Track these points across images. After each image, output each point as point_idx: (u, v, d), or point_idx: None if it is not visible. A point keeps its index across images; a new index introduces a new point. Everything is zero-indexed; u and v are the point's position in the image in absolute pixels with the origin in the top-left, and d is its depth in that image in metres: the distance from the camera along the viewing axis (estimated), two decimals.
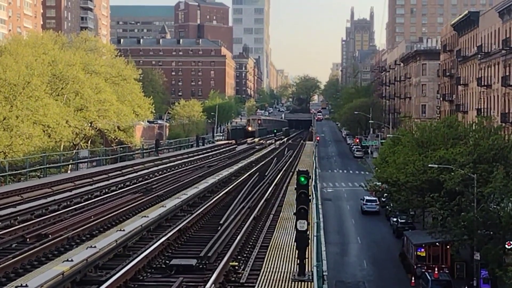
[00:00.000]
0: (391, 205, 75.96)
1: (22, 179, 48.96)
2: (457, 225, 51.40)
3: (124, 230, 23.51)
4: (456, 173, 53.60)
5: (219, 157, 69.23)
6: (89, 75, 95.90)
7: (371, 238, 73.58)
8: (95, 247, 20.59)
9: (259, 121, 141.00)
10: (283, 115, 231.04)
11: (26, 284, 16.04)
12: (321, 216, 27.12)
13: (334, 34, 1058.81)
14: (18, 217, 27.23)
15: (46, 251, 20.64)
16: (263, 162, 63.05)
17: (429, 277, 51.86)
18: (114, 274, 17.48)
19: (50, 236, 22.92)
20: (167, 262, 19.83)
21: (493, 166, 53.30)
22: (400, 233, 69.74)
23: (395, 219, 75.44)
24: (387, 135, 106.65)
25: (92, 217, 26.90)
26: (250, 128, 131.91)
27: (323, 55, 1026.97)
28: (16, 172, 49.46)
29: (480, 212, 50.64)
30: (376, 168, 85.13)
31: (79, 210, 29.45)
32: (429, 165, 58.60)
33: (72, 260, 18.75)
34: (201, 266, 19.48)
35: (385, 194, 79.22)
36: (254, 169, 54.25)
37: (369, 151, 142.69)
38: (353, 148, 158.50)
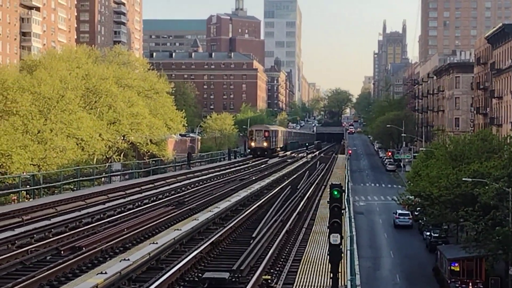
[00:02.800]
0: (424, 219, 75.33)
1: (56, 192, 49.32)
2: (492, 240, 50.84)
3: (157, 243, 23.59)
4: (490, 187, 53.05)
5: (251, 170, 69.22)
6: (122, 89, 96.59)
7: (404, 253, 72.99)
8: (128, 259, 20.67)
9: (267, 134, 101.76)
10: (314, 129, 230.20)
11: None
12: (353, 229, 27.01)
13: (366, 47, 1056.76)
14: (52, 230, 27.45)
15: (80, 264, 20.78)
16: (295, 176, 62.96)
17: None
18: (148, 287, 17.54)
19: (84, 248, 23.06)
20: (200, 275, 19.85)
21: None
22: (433, 248, 69.12)
23: (428, 233, 74.78)
24: (420, 149, 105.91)
25: (125, 229, 27.02)
26: (253, 144, 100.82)
27: (355, 68, 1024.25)
28: (50, 185, 49.84)
29: None
30: (409, 182, 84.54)
31: (113, 223, 29.60)
32: (463, 179, 58.10)
33: (106, 273, 18.84)
34: (233, 280, 19.46)
35: (418, 208, 78.53)
36: (286, 182, 54.20)
37: (401, 165, 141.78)
38: (385, 162, 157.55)
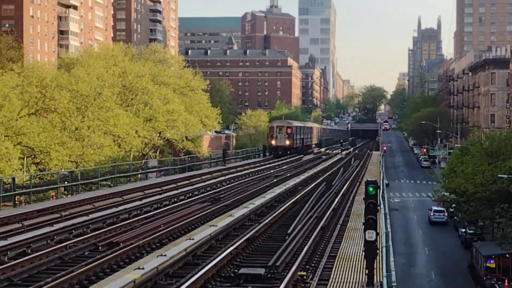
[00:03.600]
0: (460, 215, 74.81)
1: (93, 188, 49.73)
2: None
3: (193, 239, 23.68)
4: None
5: (285, 167, 69.16)
6: (158, 86, 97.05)
7: (439, 249, 72.60)
8: (165, 255, 20.78)
9: (289, 130, 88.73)
10: (348, 125, 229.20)
11: None
12: (389, 226, 26.90)
13: (401, 43, 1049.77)
14: (90, 226, 27.68)
15: (117, 259, 20.92)
16: (329, 172, 62.78)
17: None
18: (184, 283, 17.61)
19: (121, 244, 23.23)
20: (236, 271, 19.89)
21: None
22: (468, 244, 68.63)
23: (463, 230, 74.30)
24: (455, 145, 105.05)
25: (162, 225, 27.16)
26: (274, 142, 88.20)
27: (390, 65, 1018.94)
28: (88, 181, 50.26)
29: None
30: (444, 178, 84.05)
31: (149, 219, 29.77)
32: (499, 176, 57.60)
33: (143, 268, 18.96)
34: (269, 276, 19.49)
35: (453, 205, 78.09)
36: (321, 179, 54.05)
37: (436, 161, 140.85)
38: (420, 158, 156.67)
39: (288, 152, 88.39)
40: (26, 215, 29.93)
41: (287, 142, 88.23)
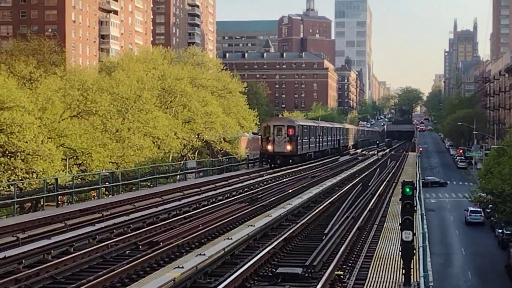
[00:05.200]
0: (496, 216, 74.17)
1: (133, 188, 50.06)
2: None
3: (231, 239, 23.72)
4: None
5: (322, 168, 68.98)
6: (196, 89, 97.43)
7: (476, 250, 71.91)
8: (204, 254, 20.85)
9: (291, 131, 66.92)
10: (384, 127, 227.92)
11: None
12: (425, 226, 26.68)
13: (437, 45, 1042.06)
14: (131, 225, 27.86)
15: (157, 258, 21.03)
16: (366, 173, 62.51)
17: None
18: (223, 281, 17.66)
19: (161, 243, 23.34)
20: (274, 270, 19.88)
21: None
22: (505, 245, 67.89)
23: (500, 231, 73.51)
24: (492, 146, 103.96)
25: (201, 225, 27.25)
26: (270, 148, 66.59)
27: (426, 67, 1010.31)
28: (128, 182, 50.62)
29: None
30: (481, 179, 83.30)
31: (188, 218, 29.87)
32: None
33: (182, 267, 19.04)
34: (306, 275, 19.46)
35: (490, 205, 77.39)
36: (357, 179, 53.84)
37: (473, 162, 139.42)
38: (456, 159, 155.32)
39: (290, 161, 66.94)
40: (69, 214, 30.23)
41: (288, 148, 66.15)
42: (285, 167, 64.76)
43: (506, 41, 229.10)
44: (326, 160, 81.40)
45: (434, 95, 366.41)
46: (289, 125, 67.70)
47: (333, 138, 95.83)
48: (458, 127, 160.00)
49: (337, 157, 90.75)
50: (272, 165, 65.73)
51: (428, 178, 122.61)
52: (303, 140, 71.47)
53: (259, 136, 75.95)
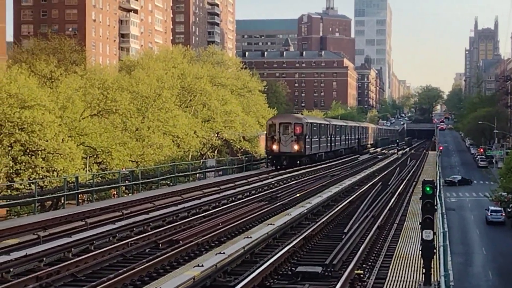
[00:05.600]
0: None
1: (153, 187, 50.24)
2: None
3: (251, 237, 23.73)
4: None
5: (341, 166, 68.83)
6: (215, 87, 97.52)
7: (497, 249, 71.55)
8: (223, 253, 20.87)
9: (298, 130, 61.98)
10: (404, 125, 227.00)
11: (160, 287, 16.45)
12: (446, 226, 26.56)
13: (457, 44, 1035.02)
14: (150, 224, 27.94)
15: (177, 256, 21.08)
16: (385, 172, 62.31)
17: None
18: (243, 280, 17.66)
19: (181, 242, 23.39)
20: (293, 269, 19.87)
21: None
22: None
23: None
24: None
25: (220, 224, 27.28)
26: (275, 147, 62.12)
27: (446, 65, 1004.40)
28: (148, 180, 50.81)
29: None
30: (501, 178, 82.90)
31: (208, 217, 29.92)
32: None
33: (202, 266, 19.08)
34: (326, 274, 19.43)
35: (511, 205, 76.92)
36: (377, 178, 53.69)
37: (493, 161, 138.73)
38: (477, 158, 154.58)
39: (298, 162, 62.16)
40: (89, 213, 30.39)
41: (296, 148, 61.34)
42: (304, 167, 64.22)
43: None
44: (345, 159, 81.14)
45: (454, 94, 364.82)
46: (296, 123, 62.23)
47: (347, 137, 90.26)
48: (478, 126, 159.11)
49: (357, 156, 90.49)
50: (278, 167, 60.71)
51: (455, 176, 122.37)
52: (312, 139, 65.66)
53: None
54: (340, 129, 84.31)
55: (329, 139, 75.36)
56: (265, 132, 67.57)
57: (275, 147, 61.37)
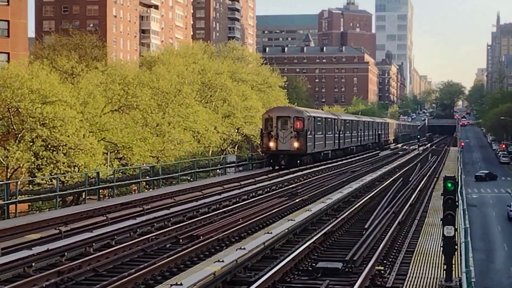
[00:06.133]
0: None
1: (174, 182, 50.36)
2: None
3: (271, 233, 23.71)
4: None
5: (362, 162, 68.61)
6: (236, 83, 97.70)
7: None
8: (244, 248, 20.87)
9: (299, 125, 54.35)
10: (426, 121, 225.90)
11: (181, 283, 16.50)
12: (467, 222, 26.44)
13: (479, 38, 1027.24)
14: (171, 219, 28.00)
15: (198, 252, 21.13)
16: (406, 168, 62.07)
17: None
18: (263, 276, 17.68)
19: (201, 237, 23.44)
20: (313, 265, 19.86)
21: None
22: None
23: None
24: None
25: (241, 219, 27.30)
26: (272, 145, 54.07)
27: (468, 60, 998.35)
28: (168, 176, 50.96)
29: None
30: None
31: (228, 213, 29.95)
32: None
33: (222, 261, 19.11)
34: (346, 270, 19.40)
35: None
36: (398, 174, 53.49)
37: None
38: (499, 154, 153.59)
39: (298, 161, 54.33)
40: (110, 208, 30.53)
41: (295, 145, 53.12)
42: (329, 161, 63.10)
43: None
44: (367, 155, 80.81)
45: (476, 89, 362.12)
46: (296, 117, 53.77)
47: (360, 134, 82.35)
48: (500, 122, 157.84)
49: (377, 151, 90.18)
50: (276, 167, 53.41)
51: (482, 171, 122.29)
52: (316, 136, 57.42)
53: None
54: (351, 124, 76.58)
55: (337, 135, 67.63)
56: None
57: (272, 144, 53.01)
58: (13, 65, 63.01)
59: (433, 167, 65.36)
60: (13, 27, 74.01)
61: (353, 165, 63.62)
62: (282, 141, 52.79)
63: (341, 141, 69.48)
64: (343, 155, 71.40)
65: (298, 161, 54.22)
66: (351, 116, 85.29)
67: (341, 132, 69.41)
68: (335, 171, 55.83)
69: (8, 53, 72.72)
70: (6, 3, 73.38)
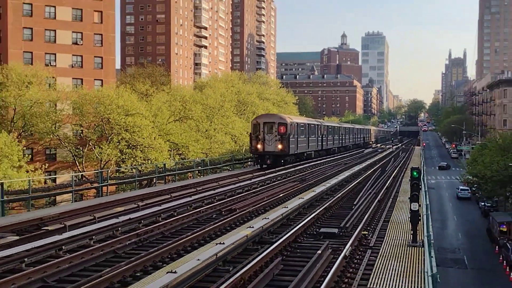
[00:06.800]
0: (480, 193, 72.40)
1: (218, 171, 50.43)
2: None
3: (287, 207, 23.64)
4: None
5: (351, 157, 68.18)
6: (261, 101, 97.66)
7: (465, 217, 70.50)
8: (268, 218, 20.82)
9: (282, 129, 45.93)
10: (397, 128, 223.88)
11: (223, 242, 16.50)
12: (428, 200, 26.16)
13: (436, 68, 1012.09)
14: (216, 197, 28.00)
15: (235, 220, 21.11)
16: (383, 161, 61.58)
17: (509, 246, 49.00)
18: (281, 237, 17.65)
19: (237, 210, 23.43)
20: (317, 230, 19.78)
21: None
22: (487, 214, 66.39)
23: (483, 204, 71.93)
24: (477, 142, 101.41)
25: (265, 198, 27.24)
26: (259, 146, 46.09)
27: (428, 84, 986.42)
28: (214, 166, 51.03)
29: None
30: (468, 166, 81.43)
31: (256, 193, 29.88)
32: (510, 164, 55.39)
33: (253, 227, 19.07)
34: (341, 234, 19.29)
35: (475, 185, 75.59)
36: (377, 166, 53.07)
37: (462, 154, 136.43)
38: (450, 151, 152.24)
39: (282, 161, 46.52)
40: (173, 189, 30.61)
41: (279, 147, 45.84)
42: (329, 157, 62.17)
43: (488, 65, 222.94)
44: (356, 152, 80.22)
45: (434, 105, 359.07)
46: (280, 123, 46.25)
47: (341, 137, 74.45)
48: (451, 128, 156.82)
49: (363, 149, 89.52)
50: (263, 166, 45.97)
51: (443, 163, 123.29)
52: (299, 139, 49.97)
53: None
54: (333, 130, 69.03)
55: (319, 138, 59.89)
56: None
57: (259, 146, 45.77)
58: (105, 89, 63.63)
59: (402, 161, 64.81)
60: (105, 61, 74.71)
61: (346, 159, 63.18)
62: (268, 144, 45.80)
63: (323, 143, 62.02)
64: (326, 154, 64.01)
65: (282, 161, 46.65)
66: (333, 123, 75.59)
67: (324, 136, 61.96)
68: (332, 164, 55.50)
69: (102, 80, 73.47)
70: (101, 45, 74.10)
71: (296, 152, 49.29)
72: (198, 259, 14.34)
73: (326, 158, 60.75)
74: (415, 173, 18.17)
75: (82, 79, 71.95)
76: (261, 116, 48.06)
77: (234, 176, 39.23)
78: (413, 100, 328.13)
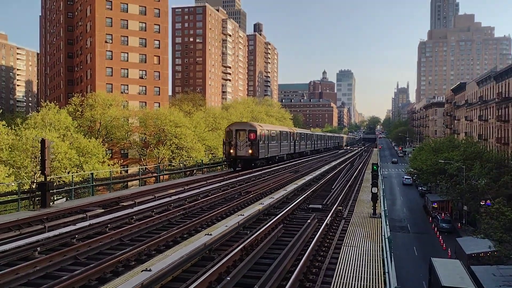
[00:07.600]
0: (418, 181, 71.71)
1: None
2: (454, 191, 47.79)
3: (286, 190, 23.52)
4: (453, 165, 49.86)
5: (331, 156, 67.57)
6: (268, 117, 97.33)
7: (408, 197, 69.87)
8: (273, 198, 20.73)
9: (252, 136, 34.40)
10: (361, 135, 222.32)
11: (243, 214, 16.47)
12: (383, 185, 25.89)
13: (388, 94, 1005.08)
14: (237, 183, 27.85)
15: (251, 199, 21.00)
16: (352, 158, 61.02)
17: (439, 217, 48.58)
18: (282, 211, 17.58)
19: (252, 192, 23.29)
20: (307, 206, 19.68)
21: (474, 161, 49.23)
22: (423, 195, 65.80)
23: (420, 188, 71.27)
24: (416, 145, 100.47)
25: (271, 183, 27.09)
26: (232, 151, 34.64)
27: (382, 105, 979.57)
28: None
29: (467, 185, 46.86)
30: (410, 162, 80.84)
31: (265, 181, 29.62)
32: (439, 161, 54.90)
33: (263, 204, 19.02)
34: (324, 209, 19.16)
35: (415, 175, 74.98)
36: (348, 162, 52.61)
37: (406, 153, 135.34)
38: (398, 152, 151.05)
39: (253, 164, 36.84)
40: (208, 178, 30.44)
41: (250, 151, 35.92)
42: (314, 157, 60.30)
43: (423, 92, 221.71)
44: (333, 152, 79.48)
45: (386, 120, 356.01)
46: (250, 130, 36.05)
47: (313, 142, 64.15)
48: (399, 136, 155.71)
49: (337, 150, 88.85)
50: (236, 168, 36.47)
51: (395, 159, 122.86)
52: (270, 144, 39.76)
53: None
54: (306, 136, 59.09)
55: (292, 143, 50.27)
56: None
57: (232, 151, 35.75)
58: (161, 109, 63.79)
59: (365, 158, 64.32)
60: (161, 90, 74.99)
61: (326, 157, 62.50)
62: (239, 149, 35.88)
63: (296, 147, 52.40)
64: (298, 156, 54.55)
65: (253, 164, 36.89)
66: (306, 131, 63.05)
67: (296, 141, 52.36)
68: (317, 160, 54.98)
69: (159, 103, 73.75)
70: (158, 79, 74.44)
71: (266, 156, 39.18)
72: (226, 226, 14.37)
73: (305, 158, 55.00)
74: (374, 167, 18.06)
75: (146, 102, 72.51)
76: (233, 124, 37.27)
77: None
78: (372, 117, 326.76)
